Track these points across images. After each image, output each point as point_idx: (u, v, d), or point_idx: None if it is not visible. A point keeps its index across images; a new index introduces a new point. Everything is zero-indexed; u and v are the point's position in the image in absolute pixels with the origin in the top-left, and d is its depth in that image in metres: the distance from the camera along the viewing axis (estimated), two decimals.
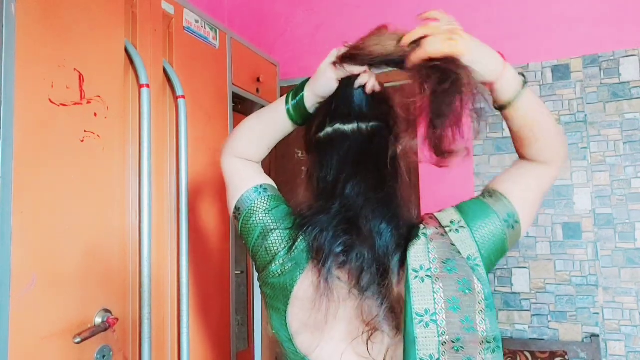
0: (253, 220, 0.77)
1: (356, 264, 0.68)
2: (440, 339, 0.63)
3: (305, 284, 0.70)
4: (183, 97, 1.29)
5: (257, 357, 2.04)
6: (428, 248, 0.68)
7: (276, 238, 0.74)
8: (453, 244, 0.69)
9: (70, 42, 0.99)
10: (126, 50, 1.15)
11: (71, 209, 0.97)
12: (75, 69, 1.00)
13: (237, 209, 0.79)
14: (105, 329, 1.00)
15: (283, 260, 0.72)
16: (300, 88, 0.82)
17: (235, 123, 1.66)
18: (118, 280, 1.08)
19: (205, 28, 1.47)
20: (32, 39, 0.90)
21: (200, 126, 1.41)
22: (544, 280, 1.67)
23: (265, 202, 0.79)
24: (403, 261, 0.69)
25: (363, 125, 0.78)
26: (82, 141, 1.01)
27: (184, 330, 1.25)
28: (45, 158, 0.92)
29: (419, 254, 0.68)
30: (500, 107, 0.74)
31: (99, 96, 1.05)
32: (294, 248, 0.72)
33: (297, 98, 0.81)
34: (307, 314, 0.69)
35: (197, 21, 1.43)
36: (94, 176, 1.03)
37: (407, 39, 0.74)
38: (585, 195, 1.64)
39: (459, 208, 0.74)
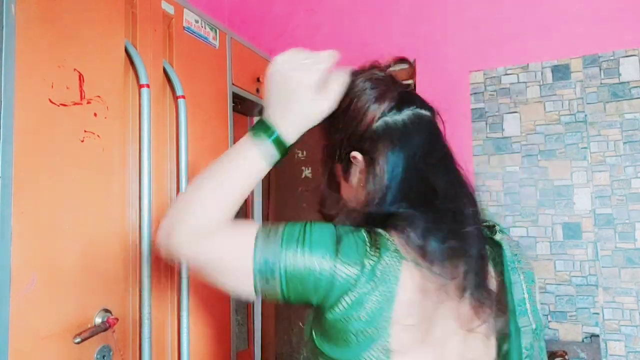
0: (302, 262, 0.59)
1: (464, 266, 0.62)
2: (532, 326, 0.68)
3: (405, 288, 0.60)
4: (183, 97, 1.29)
5: (257, 357, 2.04)
6: (505, 241, 0.72)
7: (346, 256, 0.60)
8: (512, 239, 0.75)
9: (70, 42, 0.99)
10: (126, 50, 1.15)
11: (71, 209, 0.97)
12: (75, 69, 1.00)
13: (263, 267, 0.59)
14: (105, 329, 1.00)
15: (371, 273, 0.59)
16: (263, 125, 0.67)
17: (236, 123, 1.66)
18: (118, 280, 1.08)
19: (205, 28, 1.47)
20: (32, 39, 0.90)
21: (200, 126, 1.41)
22: (544, 280, 1.67)
23: (294, 234, 0.61)
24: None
25: (431, 113, 0.76)
26: (82, 141, 1.01)
27: (184, 330, 1.25)
28: (45, 158, 0.92)
29: (506, 246, 0.71)
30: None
31: (99, 96, 1.05)
32: (380, 254, 0.60)
33: (272, 136, 0.66)
34: (414, 322, 0.59)
35: (197, 21, 1.43)
36: (94, 176, 1.03)
37: None
38: (585, 195, 1.64)
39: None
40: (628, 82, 1.61)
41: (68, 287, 0.96)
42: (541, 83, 1.72)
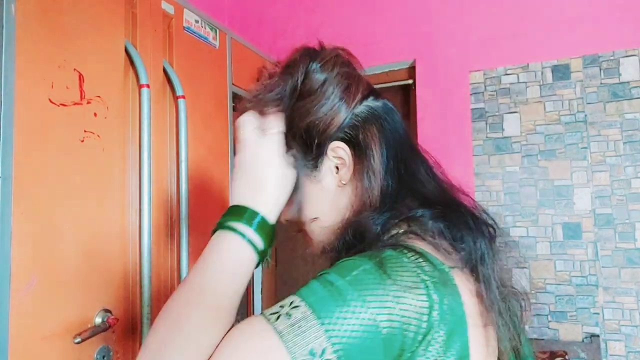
0: (353, 333, 0.43)
1: (490, 262, 0.55)
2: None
3: (466, 299, 0.50)
4: (183, 97, 1.29)
5: None
6: None
7: (404, 304, 0.45)
8: None
9: (70, 42, 0.99)
10: (126, 50, 1.15)
11: (71, 209, 0.97)
12: (75, 69, 1.00)
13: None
14: (105, 329, 1.00)
15: (437, 299, 0.47)
16: (238, 212, 0.54)
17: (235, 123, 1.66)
18: (118, 280, 1.08)
19: (205, 28, 1.47)
20: (32, 39, 0.90)
21: (200, 126, 1.41)
22: (544, 280, 1.67)
23: (314, 293, 0.46)
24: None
25: (389, 102, 0.65)
26: (82, 141, 1.01)
27: None
28: (45, 158, 0.92)
29: None
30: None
31: (99, 96, 1.05)
32: (431, 272, 0.48)
33: (255, 220, 0.53)
34: (482, 335, 0.51)
35: (197, 21, 1.43)
36: (94, 176, 1.03)
37: None
38: (585, 195, 1.64)
39: None
40: (628, 82, 1.61)
41: (68, 287, 0.95)
42: (541, 83, 1.72)
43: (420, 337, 0.45)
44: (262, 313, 0.46)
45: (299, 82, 0.59)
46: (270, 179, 0.55)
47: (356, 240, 0.54)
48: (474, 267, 0.53)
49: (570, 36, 1.68)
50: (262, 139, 0.56)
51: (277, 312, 0.45)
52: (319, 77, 0.59)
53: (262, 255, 0.54)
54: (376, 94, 0.62)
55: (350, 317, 0.43)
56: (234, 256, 0.53)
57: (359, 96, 0.59)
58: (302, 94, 0.59)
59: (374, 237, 0.53)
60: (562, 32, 1.69)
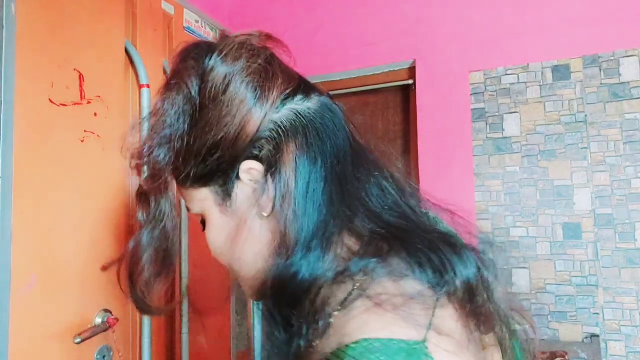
0: None
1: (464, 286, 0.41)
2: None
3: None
4: None
5: (257, 357, 2.04)
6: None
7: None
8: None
9: (70, 42, 0.99)
10: (126, 50, 1.15)
11: (71, 209, 0.97)
12: (75, 69, 1.00)
13: None
14: (105, 329, 1.00)
15: None
16: None
17: None
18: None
19: (205, 28, 1.47)
20: (32, 39, 0.90)
21: None
22: (544, 280, 1.67)
23: None
24: None
25: (327, 99, 0.49)
26: (82, 141, 1.01)
27: (184, 330, 1.25)
28: (45, 158, 0.92)
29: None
30: None
31: (99, 96, 1.05)
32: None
33: None
34: None
35: (197, 21, 1.43)
36: (94, 176, 1.03)
37: None
38: (585, 195, 1.64)
39: None
40: (628, 82, 1.61)
41: (68, 287, 0.95)
42: (541, 83, 1.72)
43: None
44: None
45: (192, 91, 0.45)
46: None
47: (282, 298, 0.40)
48: (468, 296, 0.40)
49: (570, 36, 1.68)
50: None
51: None
52: (216, 77, 0.44)
53: None
54: (308, 90, 0.47)
55: None
56: None
57: (275, 96, 0.44)
58: (200, 104, 0.45)
59: (307, 301, 0.39)
60: (562, 32, 1.69)
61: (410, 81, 1.94)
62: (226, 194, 0.46)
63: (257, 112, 0.43)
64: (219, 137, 0.43)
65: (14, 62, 0.87)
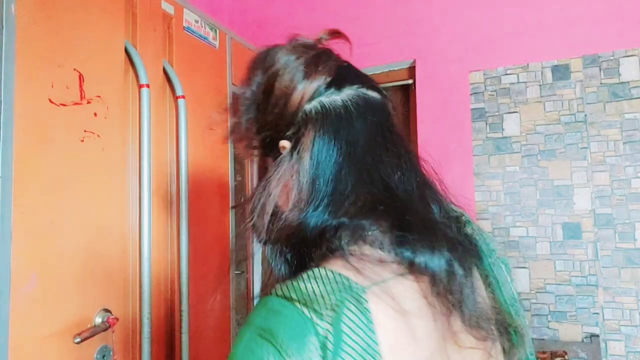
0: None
1: (457, 279, 0.49)
2: (526, 322, 0.60)
3: (385, 324, 0.44)
4: (183, 97, 1.29)
5: None
6: (478, 236, 0.61)
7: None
8: (478, 227, 0.63)
9: (70, 42, 0.99)
10: (126, 50, 1.15)
11: (71, 209, 0.97)
12: (75, 69, 1.00)
13: None
14: (105, 329, 1.00)
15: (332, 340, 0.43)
16: None
17: None
18: (118, 280, 1.08)
19: (205, 28, 1.47)
20: (32, 39, 0.90)
21: (200, 126, 1.41)
22: (544, 280, 1.67)
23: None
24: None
25: (382, 97, 0.58)
26: (82, 141, 1.01)
27: (184, 330, 1.25)
28: (45, 158, 0.92)
29: (481, 241, 0.60)
30: None
31: (99, 96, 1.05)
32: (335, 325, 0.43)
33: None
34: (409, 353, 0.45)
35: (197, 21, 1.43)
36: (94, 176, 1.03)
37: None
38: (585, 195, 1.64)
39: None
40: (628, 82, 1.61)
41: (68, 287, 0.95)
42: (541, 83, 1.72)
43: None
44: None
45: (258, 82, 0.59)
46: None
47: (292, 237, 0.52)
48: (432, 277, 0.47)
49: (570, 36, 1.68)
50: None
51: None
52: (272, 72, 0.57)
53: None
54: (342, 83, 0.55)
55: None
56: None
57: (310, 91, 0.54)
58: (262, 94, 0.58)
59: (309, 240, 0.50)
60: (562, 32, 1.69)
61: (410, 81, 1.94)
62: (275, 159, 0.58)
63: (294, 103, 0.55)
64: (269, 119, 0.57)
65: (14, 62, 0.87)
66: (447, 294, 0.48)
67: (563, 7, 1.70)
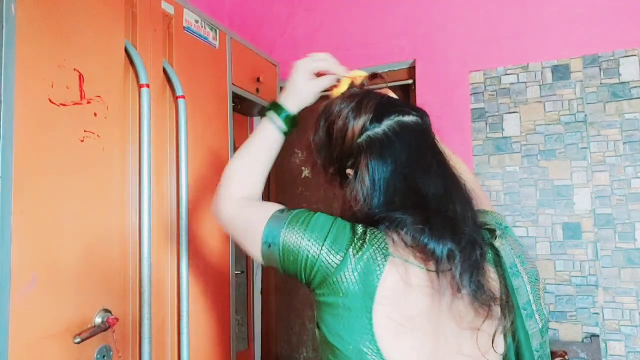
0: (296, 239, 0.68)
1: (460, 265, 0.64)
2: (539, 326, 0.70)
3: (389, 282, 0.64)
4: (183, 97, 1.29)
5: (257, 357, 2.04)
6: (508, 244, 0.74)
7: (333, 243, 0.67)
8: (516, 240, 0.77)
9: (70, 42, 0.99)
10: (126, 50, 1.15)
11: (71, 208, 0.97)
12: (75, 69, 1.00)
13: (268, 236, 0.70)
14: (105, 329, 1.00)
15: (353, 262, 0.65)
16: (277, 106, 0.84)
17: (235, 123, 1.66)
18: (118, 280, 1.08)
19: (205, 28, 1.47)
20: (32, 39, 0.90)
21: (200, 126, 1.41)
22: (544, 280, 1.67)
23: (300, 216, 0.71)
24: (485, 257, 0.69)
25: (419, 119, 0.75)
26: (82, 141, 1.01)
27: (184, 330, 1.25)
28: (45, 158, 0.92)
29: (507, 251, 0.73)
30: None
31: (99, 96, 1.05)
32: (364, 247, 0.65)
33: (283, 114, 0.83)
34: (398, 314, 0.64)
35: (197, 21, 1.43)
36: (94, 176, 1.03)
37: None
38: (585, 195, 1.64)
39: (484, 213, 0.83)
40: (628, 82, 1.61)
41: (68, 287, 0.96)
42: (541, 83, 1.72)
43: (320, 280, 0.66)
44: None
45: (324, 127, 0.80)
46: (297, 86, 0.83)
47: (361, 221, 0.72)
48: (422, 263, 0.65)
49: (570, 36, 1.68)
50: (310, 60, 0.83)
51: (285, 208, 0.75)
52: (332, 117, 0.77)
53: (285, 134, 0.84)
54: (381, 117, 0.72)
55: (295, 235, 0.69)
56: (267, 132, 0.83)
57: (358, 129, 0.73)
58: (328, 135, 0.79)
59: (371, 223, 0.70)
60: (562, 32, 1.69)
61: (410, 81, 1.94)
62: (342, 184, 0.79)
63: (348, 140, 0.74)
64: (335, 155, 0.77)
65: (14, 62, 0.87)
66: (451, 275, 0.63)
67: (563, 7, 1.70)
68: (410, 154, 0.71)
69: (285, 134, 0.85)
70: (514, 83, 1.75)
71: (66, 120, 0.97)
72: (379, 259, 0.65)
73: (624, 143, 1.60)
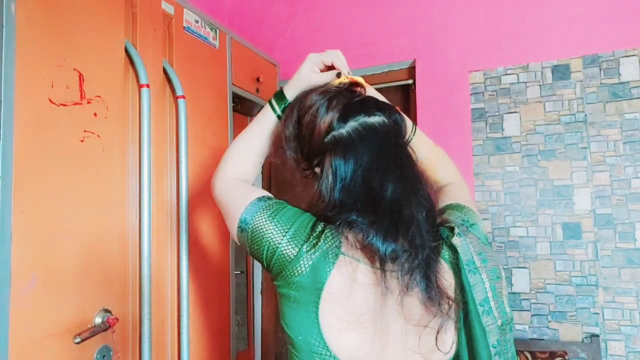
0: (263, 227, 0.73)
1: (408, 265, 0.67)
2: (498, 323, 0.71)
3: (337, 279, 0.68)
4: (183, 97, 1.29)
5: (257, 357, 2.04)
6: (466, 242, 0.75)
7: (292, 237, 0.71)
8: (478, 237, 0.77)
9: (70, 42, 0.99)
10: (126, 50, 1.15)
11: (71, 209, 0.97)
12: (75, 69, 1.00)
13: (242, 221, 0.76)
14: (105, 329, 1.00)
15: (306, 257, 0.69)
16: (280, 94, 0.87)
17: (235, 123, 1.66)
18: (118, 280, 1.08)
19: (205, 28, 1.47)
20: (32, 39, 0.90)
21: (200, 126, 1.41)
22: (544, 280, 1.67)
23: (273, 206, 0.76)
24: (439, 255, 0.73)
25: (387, 119, 0.76)
26: (82, 141, 1.01)
27: (184, 330, 1.25)
28: (45, 158, 0.92)
29: (465, 249, 0.74)
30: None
31: (99, 96, 1.05)
32: (319, 244, 0.70)
33: (283, 103, 0.86)
34: (344, 309, 0.67)
35: (197, 21, 1.43)
36: (94, 176, 1.03)
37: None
38: (585, 195, 1.64)
39: (452, 208, 0.84)
40: (628, 82, 1.61)
41: (68, 287, 0.96)
42: (541, 83, 1.72)
43: (289, 260, 0.70)
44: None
45: (295, 119, 0.80)
46: (298, 76, 0.85)
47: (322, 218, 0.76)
48: (372, 262, 0.69)
49: (570, 36, 1.68)
50: (318, 54, 0.85)
51: (266, 196, 0.79)
52: (305, 110, 0.78)
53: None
54: (346, 118, 0.74)
55: (264, 223, 0.74)
56: (266, 119, 0.87)
57: (325, 129, 0.74)
58: (298, 129, 0.79)
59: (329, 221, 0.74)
60: (562, 32, 1.69)
61: (410, 81, 1.94)
62: (311, 177, 0.81)
63: (316, 137, 0.75)
64: (305, 151, 0.79)
65: (14, 62, 0.87)
66: (399, 275, 0.67)
67: (563, 7, 1.70)
68: (372, 156, 0.72)
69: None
70: (514, 83, 1.75)
71: (66, 120, 0.97)
72: (330, 256, 0.69)
73: (624, 143, 1.60)
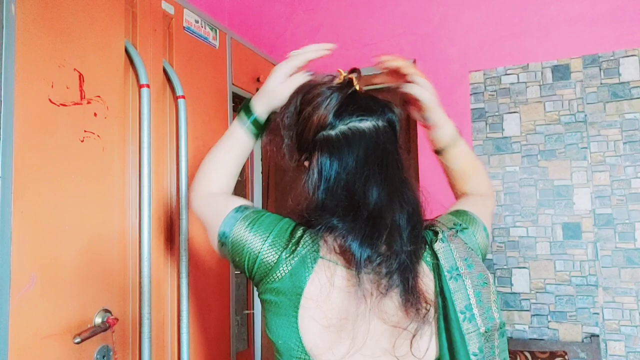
0: (242, 237, 0.74)
1: (385, 269, 0.68)
2: (480, 330, 0.70)
3: (316, 283, 0.69)
4: (183, 97, 1.29)
5: (257, 358, 2.04)
6: (450, 248, 0.74)
7: (272, 244, 0.72)
8: (466, 243, 0.76)
9: (70, 42, 0.99)
10: (126, 50, 1.15)
11: (71, 209, 0.97)
12: (75, 69, 1.00)
13: (222, 235, 0.76)
14: (105, 329, 1.00)
15: (285, 263, 0.70)
16: (246, 108, 0.86)
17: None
18: (118, 280, 1.08)
19: (205, 28, 1.47)
20: (32, 39, 0.90)
21: (200, 126, 1.41)
22: (544, 280, 1.67)
23: (251, 216, 0.76)
24: (420, 261, 0.72)
25: (379, 123, 0.75)
26: (82, 141, 1.01)
27: (184, 330, 1.25)
28: (45, 158, 0.92)
29: (447, 254, 0.73)
30: (438, 151, 0.93)
31: (99, 96, 1.05)
32: (297, 250, 0.71)
33: (251, 117, 0.85)
34: (322, 313, 0.68)
35: (197, 21, 1.43)
36: (94, 176, 1.03)
37: (390, 64, 0.90)
38: (585, 195, 1.64)
39: (452, 214, 0.82)
40: (628, 82, 1.61)
41: (68, 287, 0.95)
42: (541, 83, 1.72)
43: (269, 268, 0.71)
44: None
45: (293, 111, 0.79)
46: (267, 89, 0.83)
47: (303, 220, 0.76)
48: (350, 265, 0.69)
49: (570, 36, 1.68)
50: (287, 60, 0.83)
51: (243, 206, 0.79)
52: (300, 107, 0.78)
53: (256, 135, 0.87)
54: (335, 122, 0.73)
55: (244, 232, 0.74)
56: (236, 134, 0.87)
57: (315, 130, 0.74)
58: (299, 111, 0.78)
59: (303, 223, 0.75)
60: (562, 32, 1.69)
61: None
62: (302, 171, 0.80)
63: (308, 132, 0.75)
64: (297, 142, 0.78)
65: (14, 62, 0.87)
66: (377, 278, 0.68)
67: (563, 7, 1.70)
68: (357, 161, 0.72)
69: (256, 135, 0.87)
70: (514, 83, 1.75)
71: (66, 121, 0.97)
72: (309, 261, 0.70)
73: (624, 143, 1.60)
